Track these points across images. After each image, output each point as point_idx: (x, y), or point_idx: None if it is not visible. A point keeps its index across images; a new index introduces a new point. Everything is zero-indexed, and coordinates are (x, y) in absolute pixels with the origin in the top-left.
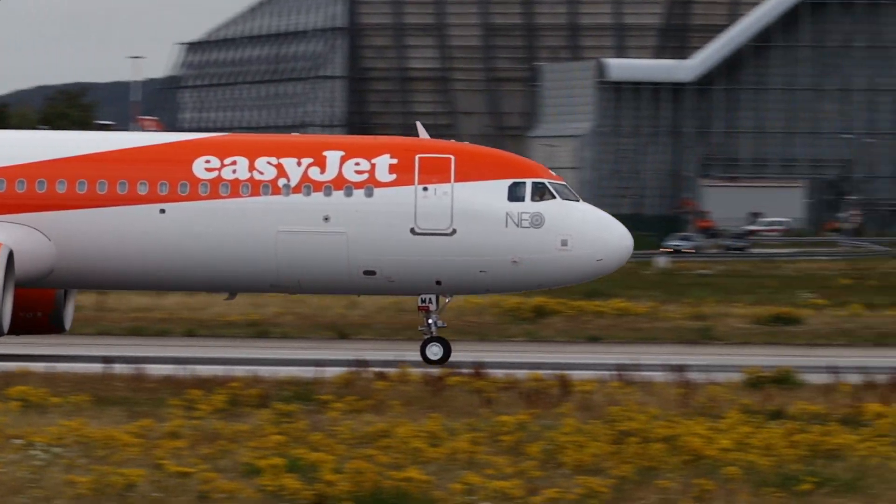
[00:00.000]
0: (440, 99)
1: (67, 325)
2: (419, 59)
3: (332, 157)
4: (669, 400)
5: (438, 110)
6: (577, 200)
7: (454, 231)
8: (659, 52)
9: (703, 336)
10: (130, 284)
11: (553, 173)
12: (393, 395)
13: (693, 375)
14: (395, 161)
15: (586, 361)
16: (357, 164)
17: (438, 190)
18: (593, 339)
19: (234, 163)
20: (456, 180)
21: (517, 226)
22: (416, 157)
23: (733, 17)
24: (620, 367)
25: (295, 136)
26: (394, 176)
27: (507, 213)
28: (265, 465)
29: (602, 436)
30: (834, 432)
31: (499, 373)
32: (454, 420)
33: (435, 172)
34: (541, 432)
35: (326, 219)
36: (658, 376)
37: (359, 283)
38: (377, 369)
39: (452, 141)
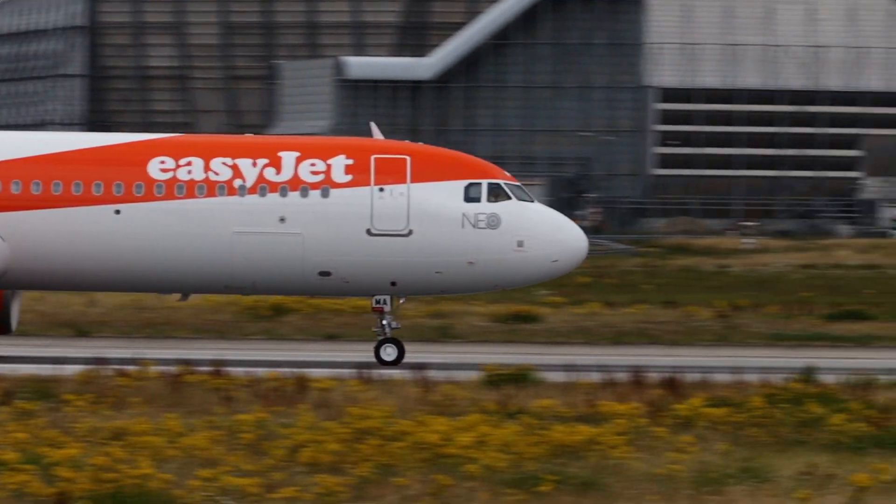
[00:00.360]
0: (179, 97)
1: (13, 326)
2: (158, 57)
3: (288, 157)
4: (409, 398)
5: (177, 108)
6: (532, 201)
7: (410, 232)
8: (398, 50)
9: (443, 334)
10: (85, 285)
11: (508, 174)
12: (133, 392)
13: (432, 374)
14: (350, 162)
15: (325, 359)
16: (313, 164)
17: (395, 191)
18: (331, 338)
19: (189, 163)
20: (412, 181)
21: (473, 227)
22: (372, 157)
23: (472, 14)
24: (359, 366)
25: (250, 137)
26: (350, 177)
27: (464, 214)
28: (5, 463)
29: (340, 434)
30: (572, 431)
31: (238, 371)
32: (193, 418)
33: (391, 173)
34: (279, 430)
35: (282, 220)
36: (397, 374)
37: (314, 285)
38: (117, 367)
39: (407, 142)
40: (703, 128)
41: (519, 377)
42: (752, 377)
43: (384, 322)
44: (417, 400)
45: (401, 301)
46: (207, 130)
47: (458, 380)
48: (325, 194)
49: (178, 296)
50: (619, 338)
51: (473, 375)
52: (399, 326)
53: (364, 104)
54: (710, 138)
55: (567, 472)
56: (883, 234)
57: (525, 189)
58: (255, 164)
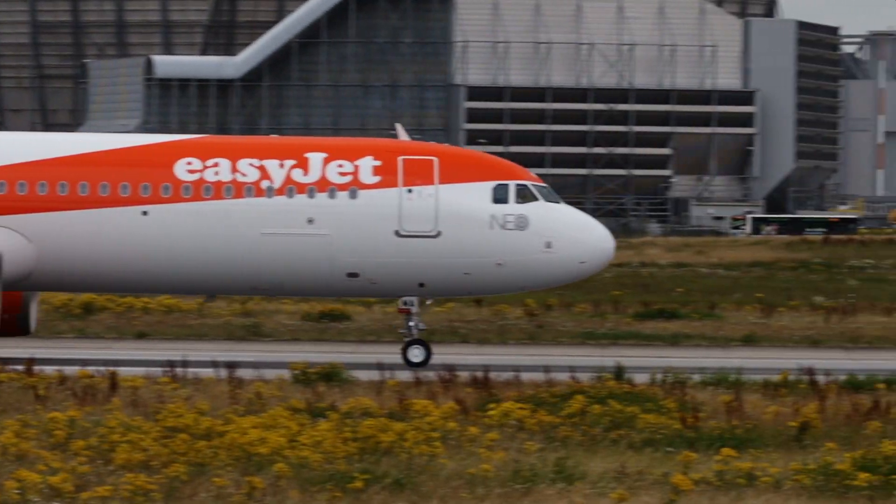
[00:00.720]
0: None
1: (33, 327)
2: None
3: (315, 158)
4: (219, 397)
5: None
6: (559, 202)
7: (439, 233)
8: (206, 49)
9: (252, 333)
10: (111, 287)
11: (534, 175)
12: None
13: (242, 372)
14: (378, 163)
15: (135, 358)
16: (340, 165)
17: (423, 192)
18: (141, 336)
19: (216, 164)
20: (440, 182)
21: (502, 228)
22: (400, 158)
23: (280, 13)
24: (169, 364)
25: (276, 138)
26: (378, 178)
27: (492, 216)
28: None
29: (151, 432)
30: (383, 428)
31: (49, 369)
32: (5, 416)
33: (419, 174)
34: (91, 429)
35: (310, 221)
36: (207, 373)
37: (341, 286)
38: None
39: (434, 143)
40: (512, 126)
41: (329, 375)
42: (563, 376)
43: (411, 323)
44: (227, 398)
45: (427, 302)
46: (16, 129)
47: (268, 378)
48: (353, 195)
49: (204, 297)
50: (428, 336)
51: (283, 374)
52: (425, 328)
53: (172, 103)
54: (520, 136)
55: (378, 470)
56: (696, 233)
57: (551, 190)
58: (282, 166)
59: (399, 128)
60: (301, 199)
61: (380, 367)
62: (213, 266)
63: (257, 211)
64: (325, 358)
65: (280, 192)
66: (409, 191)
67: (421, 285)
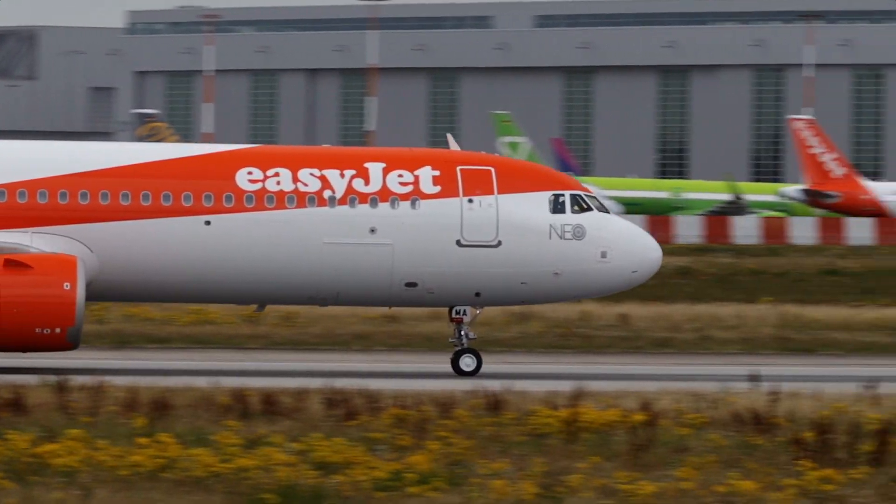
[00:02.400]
0: None
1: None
2: None
3: (375, 168)
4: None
5: None
6: (609, 212)
7: (500, 243)
8: None
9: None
10: (171, 297)
11: (584, 185)
12: None
13: None
14: (437, 173)
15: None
16: (400, 175)
17: (483, 202)
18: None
19: (276, 174)
20: (499, 192)
21: (560, 238)
22: (458, 168)
23: None
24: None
25: (333, 148)
26: (438, 188)
27: (551, 225)
28: None
29: None
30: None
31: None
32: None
33: (477, 184)
34: None
35: (373, 230)
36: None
37: (399, 295)
38: None
39: (487, 153)
40: None
41: None
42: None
43: (462, 332)
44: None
45: (477, 312)
46: None
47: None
48: (414, 205)
49: (254, 307)
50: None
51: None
52: (476, 337)
53: None
54: None
55: None
56: None
57: (601, 199)
58: (342, 175)
59: (450, 138)
60: (363, 208)
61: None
62: (276, 276)
63: (320, 220)
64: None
65: (342, 201)
66: (470, 200)
67: (477, 294)
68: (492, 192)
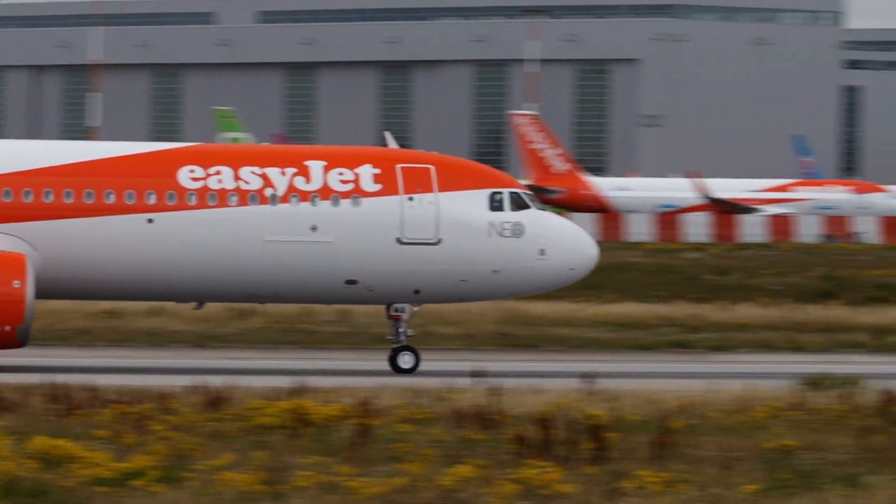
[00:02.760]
0: None
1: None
2: None
3: (315, 166)
4: None
5: None
6: (544, 210)
7: (439, 241)
8: None
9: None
10: (114, 294)
11: (520, 183)
12: None
13: None
14: (378, 171)
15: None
16: (341, 173)
17: (423, 200)
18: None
19: (218, 172)
20: (439, 190)
21: (500, 235)
22: (398, 167)
23: None
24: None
25: (273, 146)
26: (379, 186)
27: (490, 223)
28: None
29: None
30: None
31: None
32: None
33: (418, 182)
34: None
35: (314, 228)
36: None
37: (338, 293)
38: None
39: (426, 151)
40: None
41: None
42: None
43: (400, 330)
44: None
45: (415, 309)
46: None
47: None
48: (356, 203)
49: (192, 305)
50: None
51: None
52: (414, 334)
53: None
54: None
55: None
56: None
57: (535, 198)
58: (284, 173)
59: (388, 136)
60: (305, 206)
61: None
62: (217, 274)
63: (261, 218)
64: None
65: (284, 199)
66: (410, 199)
67: (416, 292)
68: (432, 191)
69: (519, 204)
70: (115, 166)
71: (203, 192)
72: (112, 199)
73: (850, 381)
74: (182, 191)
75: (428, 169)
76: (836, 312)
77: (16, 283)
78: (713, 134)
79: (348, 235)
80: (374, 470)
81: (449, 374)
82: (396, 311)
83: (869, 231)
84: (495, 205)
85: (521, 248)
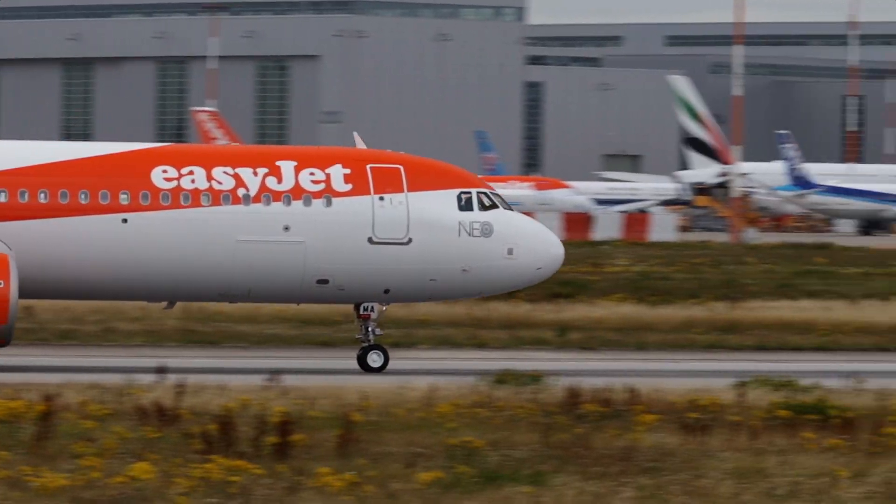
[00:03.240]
0: None
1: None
2: None
3: (287, 166)
4: None
5: None
6: (512, 209)
7: (410, 240)
8: None
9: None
10: (87, 294)
11: (486, 183)
12: None
13: None
14: (348, 171)
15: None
16: (312, 173)
17: (394, 199)
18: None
19: (191, 173)
20: (408, 190)
21: (469, 235)
22: (368, 167)
23: None
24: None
25: (243, 146)
26: (350, 186)
27: (460, 223)
28: None
29: None
30: None
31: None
32: None
33: (388, 182)
34: None
35: (286, 228)
36: None
37: (310, 292)
38: None
39: (394, 152)
40: None
41: None
42: None
43: (369, 329)
44: None
45: (384, 308)
46: None
47: None
48: (327, 203)
49: (163, 304)
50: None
51: None
52: (382, 333)
53: None
54: None
55: None
56: None
57: (503, 197)
58: (256, 174)
59: (356, 136)
60: (277, 206)
61: None
62: (190, 273)
63: (234, 218)
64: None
65: (256, 199)
66: (381, 198)
67: (386, 291)
68: (402, 191)
69: (487, 204)
70: (91, 166)
71: (176, 193)
72: (87, 200)
73: (533, 377)
74: (156, 191)
75: (397, 169)
76: (518, 309)
77: None
78: (396, 130)
79: (320, 235)
80: (57, 466)
81: (132, 370)
82: (366, 309)
83: (552, 227)
84: (464, 204)
85: (489, 247)
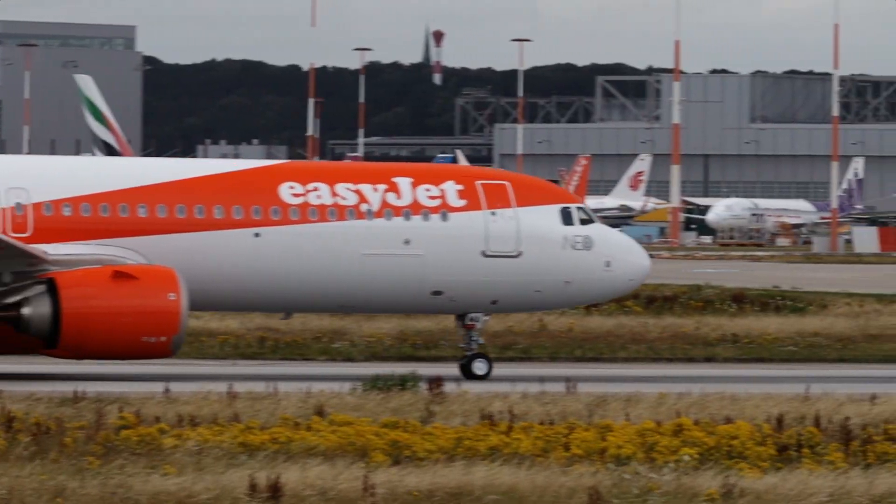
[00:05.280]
0: None
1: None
2: None
3: (404, 183)
4: None
5: None
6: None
7: (520, 253)
8: None
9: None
10: (218, 305)
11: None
12: None
13: None
14: (460, 187)
15: None
16: (427, 189)
17: (505, 214)
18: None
19: (316, 189)
20: (517, 205)
21: (572, 248)
22: (478, 183)
23: None
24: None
25: (359, 163)
26: (464, 201)
27: (564, 237)
28: None
29: None
30: None
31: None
32: None
33: (497, 198)
34: None
35: (407, 242)
36: None
37: (424, 303)
38: None
39: (497, 169)
40: None
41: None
42: None
43: (473, 338)
44: None
45: (487, 318)
46: None
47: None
48: (444, 218)
49: (282, 315)
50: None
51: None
52: (484, 342)
53: None
54: None
55: None
56: None
57: (594, 212)
58: (376, 189)
59: (459, 154)
60: (398, 221)
61: None
62: (315, 284)
63: (359, 233)
64: None
65: (379, 214)
66: (493, 213)
67: (494, 302)
68: (510, 206)
69: (584, 219)
70: (224, 183)
71: (304, 208)
72: (221, 215)
73: None
74: (285, 206)
75: (504, 185)
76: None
77: (171, 296)
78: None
79: (438, 248)
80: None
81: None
82: (471, 320)
83: None
84: (566, 219)
85: (590, 260)
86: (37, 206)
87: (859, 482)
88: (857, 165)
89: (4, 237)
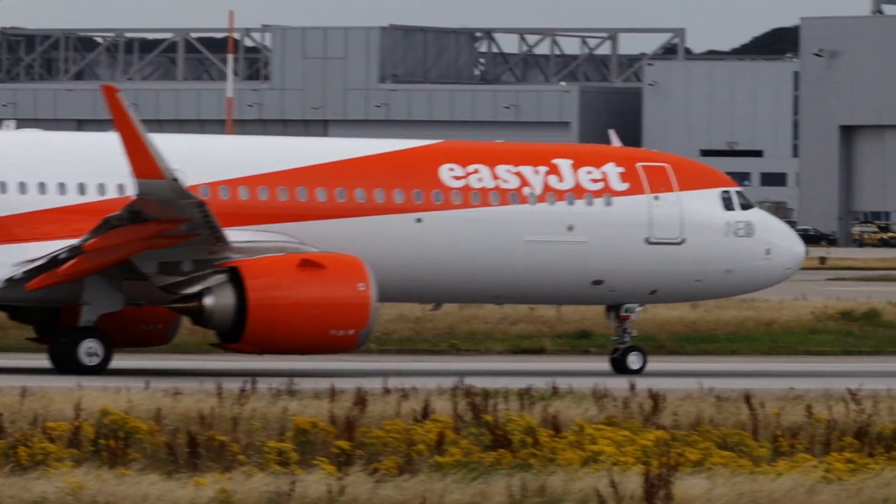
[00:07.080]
0: None
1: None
2: None
3: (564, 164)
4: None
5: None
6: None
7: (683, 240)
8: None
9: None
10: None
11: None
12: None
13: None
14: (622, 169)
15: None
16: (589, 172)
17: (668, 199)
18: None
19: (476, 171)
20: (679, 189)
21: (735, 235)
22: (638, 165)
23: None
24: None
25: (516, 144)
26: (627, 185)
27: (727, 223)
28: None
29: None
30: None
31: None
32: None
33: (659, 182)
34: None
35: (570, 228)
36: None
37: (583, 293)
38: None
39: (652, 150)
40: None
41: None
42: None
43: (626, 330)
44: None
45: (640, 309)
46: None
47: None
48: (608, 203)
49: (430, 305)
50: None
51: None
52: (637, 334)
53: None
54: None
55: None
56: None
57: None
58: (537, 172)
59: (612, 133)
60: (561, 205)
61: None
62: (476, 273)
63: (522, 218)
64: None
65: (541, 199)
66: (656, 198)
67: (653, 292)
68: (672, 190)
69: (744, 203)
70: (380, 165)
71: (466, 191)
72: (382, 199)
73: None
74: (446, 189)
75: (664, 167)
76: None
77: (360, 286)
78: None
79: (601, 235)
80: None
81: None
82: (626, 311)
83: None
84: (727, 204)
85: (751, 247)
86: (193, 189)
87: None
88: None
89: (214, 221)
